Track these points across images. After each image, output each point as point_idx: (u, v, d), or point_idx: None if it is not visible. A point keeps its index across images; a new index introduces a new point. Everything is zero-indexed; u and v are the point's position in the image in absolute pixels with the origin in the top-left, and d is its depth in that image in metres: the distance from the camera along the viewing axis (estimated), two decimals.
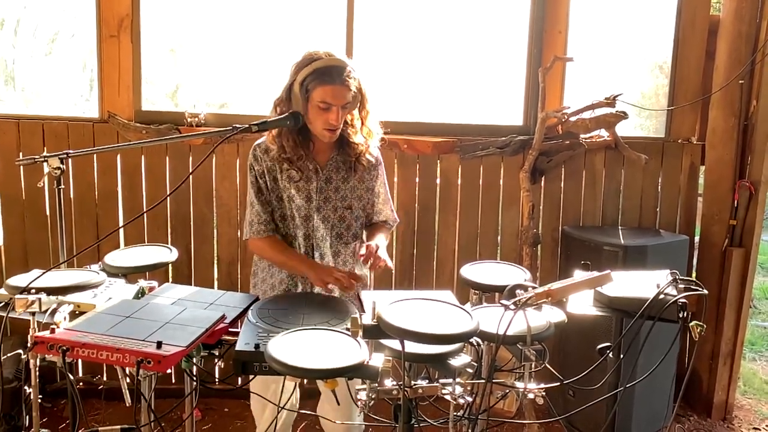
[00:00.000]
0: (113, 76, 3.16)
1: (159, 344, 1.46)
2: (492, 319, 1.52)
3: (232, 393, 3.19)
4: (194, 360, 1.68)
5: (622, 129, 3.27)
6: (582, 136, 3.28)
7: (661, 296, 1.54)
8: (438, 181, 3.35)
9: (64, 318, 1.65)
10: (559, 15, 3.30)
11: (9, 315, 1.68)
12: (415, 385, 1.55)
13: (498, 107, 3.50)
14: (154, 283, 2.02)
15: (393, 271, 3.30)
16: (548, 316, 1.63)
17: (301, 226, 2.13)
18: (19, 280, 1.77)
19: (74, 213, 3.20)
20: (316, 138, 2.08)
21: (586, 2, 3.35)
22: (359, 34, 3.24)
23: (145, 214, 3.22)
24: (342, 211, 2.16)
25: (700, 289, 1.56)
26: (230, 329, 1.74)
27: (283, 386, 1.61)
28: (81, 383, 3.26)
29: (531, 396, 1.56)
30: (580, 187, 3.40)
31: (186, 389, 2.06)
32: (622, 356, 1.78)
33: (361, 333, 1.47)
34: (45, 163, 2.03)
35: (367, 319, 1.48)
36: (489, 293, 2.00)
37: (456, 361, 1.49)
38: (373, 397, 1.53)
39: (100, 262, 2.10)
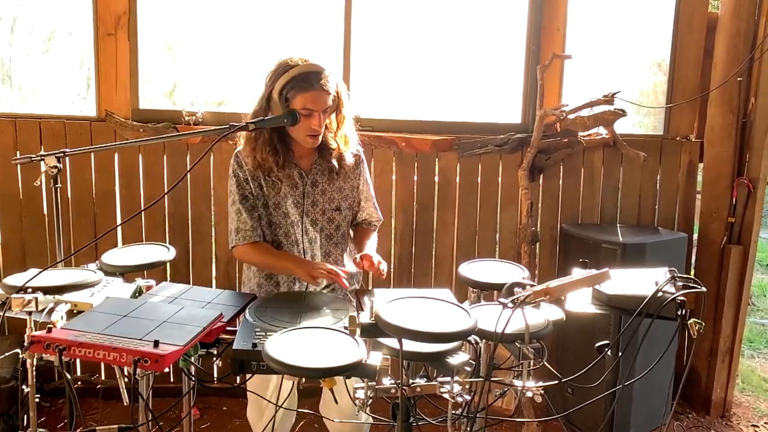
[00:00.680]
0: (110, 74, 3.15)
1: (156, 343, 1.46)
2: (490, 317, 1.52)
3: (230, 391, 3.19)
4: (192, 359, 1.67)
5: (621, 126, 3.28)
6: (580, 133, 3.28)
7: (660, 294, 1.54)
8: (436, 179, 3.35)
9: (61, 317, 1.65)
10: (558, 12, 3.30)
11: (6, 314, 1.67)
12: (413, 383, 1.55)
13: (496, 105, 3.50)
14: (152, 282, 2.02)
15: (391, 270, 3.30)
16: (546, 314, 1.63)
17: (290, 232, 2.11)
18: (16, 279, 1.76)
19: (71, 212, 3.19)
20: (296, 144, 2.07)
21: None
22: (357, 32, 3.23)
23: (142, 213, 3.21)
24: (330, 212, 2.15)
25: (699, 286, 1.56)
26: (228, 328, 1.74)
27: (280, 386, 1.61)
28: (78, 382, 3.26)
29: (529, 394, 1.56)
30: (579, 184, 3.40)
31: (184, 388, 2.06)
32: (620, 354, 1.78)
33: (358, 331, 1.46)
34: (42, 162, 2.03)
35: (365, 318, 1.48)
36: (487, 291, 2.00)
37: (454, 360, 1.48)
38: (371, 395, 1.52)
39: (97, 261, 2.10)
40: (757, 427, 3.36)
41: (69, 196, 3.17)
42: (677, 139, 3.41)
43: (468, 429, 1.58)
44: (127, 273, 2.08)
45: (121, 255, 2.16)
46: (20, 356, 1.72)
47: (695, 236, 3.45)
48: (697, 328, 1.47)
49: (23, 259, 3.19)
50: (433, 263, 3.41)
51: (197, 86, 3.42)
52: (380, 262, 2.02)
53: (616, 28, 3.46)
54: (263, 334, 1.58)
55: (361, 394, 1.53)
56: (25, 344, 1.56)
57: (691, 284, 1.57)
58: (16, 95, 3.51)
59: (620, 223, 3.39)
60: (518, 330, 1.51)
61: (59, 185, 2.06)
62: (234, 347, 1.54)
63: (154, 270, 2.16)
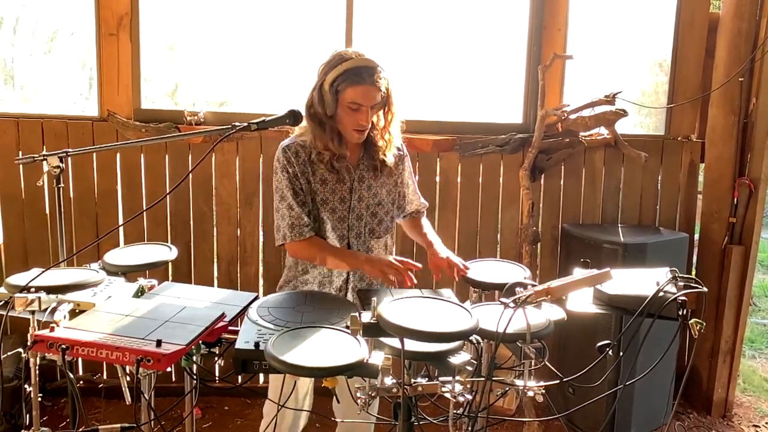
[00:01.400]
0: (112, 74, 3.16)
1: (158, 342, 1.46)
2: (492, 316, 1.52)
3: (232, 391, 3.20)
4: (194, 358, 1.68)
5: (622, 127, 3.28)
6: (582, 133, 3.28)
7: (661, 294, 1.54)
8: (438, 179, 3.35)
9: (64, 316, 1.65)
10: (559, 12, 3.30)
11: (9, 313, 1.68)
12: (414, 383, 1.55)
13: (497, 105, 3.50)
14: (154, 282, 2.03)
15: None
16: (548, 313, 1.63)
17: (336, 227, 2.10)
18: (19, 278, 1.77)
19: (74, 212, 3.20)
20: (344, 139, 2.06)
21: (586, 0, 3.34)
22: (358, 32, 3.23)
23: (144, 213, 3.22)
24: (374, 207, 2.15)
25: (700, 286, 1.56)
26: (230, 327, 1.74)
27: (294, 386, 1.60)
28: (81, 382, 3.26)
29: (531, 394, 1.56)
30: (580, 184, 3.40)
31: (186, 387, 2.06)
32: (621, 354, 1.78)
33: (361, 331, 1.47)
34: (44, 162, 2.03)
35: (366, 317, 1.48)
36: (489, 291, 2.00)
37: (456, 359, 1.48)
38: (372, 395, 1.53)
39: (99, 261, 2.11)
40: (759, 427, 3.36)
41: (71, 195, 3.17)
42: (678, 139, 3.41)
43: (469, 428, 1.58)
44: (130, 272, 2.08)
45: (123, 254, 2.16)
46: (23, 355, 1.72)
47: (696, 236, 3.45)
48: (698, 328, 1.47)
49: (26, 258, 3.19)
50: None
51: (199, 86, 3.43)
52: (465, 266, 2.05)
53: (617, 29, 3.46)
54: (266, 333, 1.58)
55: (362, 393, 1.53)
56: (28, 343, 1.57)
57: (692, 284, 1.57)
58: (19, 95, 3.52)
59: (621, 223, 3.40)
60: (519, 330, 1.51)
61: (62, 185, 2.06)
62: (236, 347, 1.54)
63: (156, 269, 2.16)
